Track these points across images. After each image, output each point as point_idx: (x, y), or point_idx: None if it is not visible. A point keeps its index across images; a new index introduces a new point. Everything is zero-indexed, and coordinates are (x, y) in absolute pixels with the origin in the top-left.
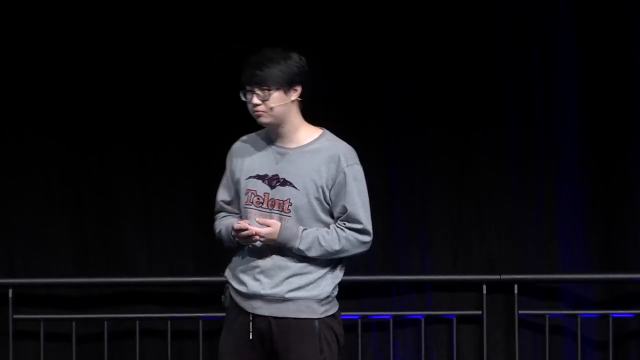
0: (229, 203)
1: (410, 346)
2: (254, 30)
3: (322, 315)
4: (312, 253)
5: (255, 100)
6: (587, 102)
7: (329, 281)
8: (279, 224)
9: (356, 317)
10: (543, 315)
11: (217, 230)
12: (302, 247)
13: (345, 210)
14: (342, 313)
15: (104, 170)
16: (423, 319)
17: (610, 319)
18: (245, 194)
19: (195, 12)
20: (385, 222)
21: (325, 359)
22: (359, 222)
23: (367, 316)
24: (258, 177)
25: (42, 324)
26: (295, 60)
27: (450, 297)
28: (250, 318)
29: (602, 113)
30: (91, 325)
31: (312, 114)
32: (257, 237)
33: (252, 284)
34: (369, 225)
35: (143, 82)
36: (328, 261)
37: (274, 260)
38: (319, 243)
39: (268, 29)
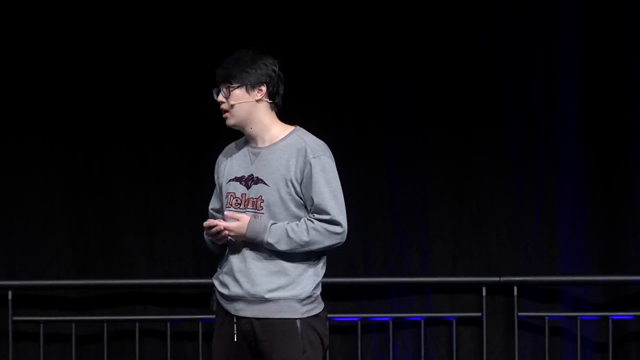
0: (218, 211)
1: (410, 348)
2: (254, 31)
3: (305, 315)
4: (282, 246)
5: (220, 97)
6: (587, 105)
7: (309, 280)
8: (248, 218)
9: (356, 318)
10: (543, 317)
11: (204, 236)
12: (270, 240)
13: (312, 202)
14: (342, 315)
15: (104, 173)
16: (423, 321)
17: (610, 320)
18: (226, 197)
19: (194, 15)
20: (385, 224)
21: (308, 358)
22: (326, 213)
23: (367, 318)
24: (236, 179)
25: (41, 325)
26: (262, 61)
27: (450, 299)
28: (234, 320)
29: (602, 116)
30: (91, 327)
31: (311, 115)
32: (227, 232)
33: (233, 286)
34: (339, 217)
35: (142, 85)
36: (307, 259)
37: (250, 258)
38: (288, 235)
39: (268, 31)
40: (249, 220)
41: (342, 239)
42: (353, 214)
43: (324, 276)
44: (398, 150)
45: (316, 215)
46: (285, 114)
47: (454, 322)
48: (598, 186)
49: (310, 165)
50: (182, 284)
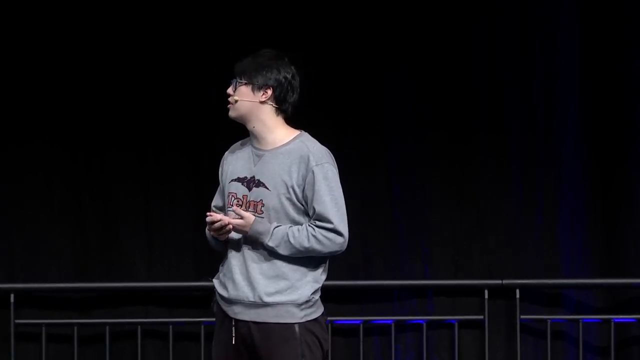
0: (220, 208)
1: (412, 351)
2: (254, 33)
3: (303, 320)
4: (282, 250)
5: (229, 89)
6: (587, 106)
7: (308, 285)
8: (252, 217)
9: (358, 322)
10: (545, 321)
11: (206, 233)
12: (271, 244)
13: (314, 210)
14: (344, 318)
15: (104, 175)
16: (425, 324)
17: (612, 324)
18: (228, 197)
19: (193, 16)
20: (386, 229)
21: None
22: (329, 222)
23: (369, 321)
24: (238, 179)
25: (43, 328)
26: (277, 65)
27: (451, 302)
28: (233, 323)
29: (602, 120)
30: (93, 329)
31: (311, 118)
32: (230, 227)
33: (232, 288)
34: (340, 226)
35: (142, 86)
36: (307, 264)
37: (250, 261)
38: (288, 240)
39: (269, 34)
40: (254, 220)
41: (342, 247)
42: (354, 218)
43: (326, 280)
44: (398, 154)
45: (318, 223)
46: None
47: (456, 325)
48: (598, 188)
49: (313, 173)
50: (182, 287)
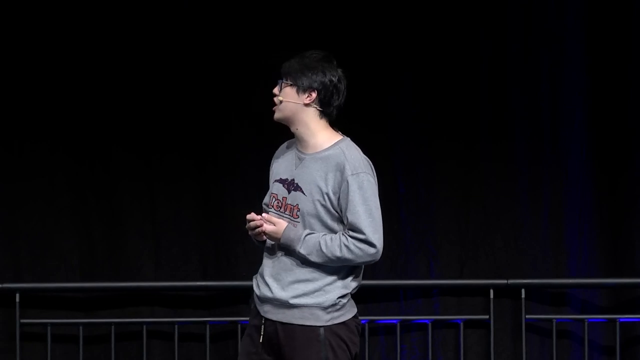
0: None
1: (417, 351)
2: (259, 37)
3: (328, 323)
4: (313, 258)
5: (275, 89)
6: (593, 110)
7: (336, 290)
8: (285, 224)
9: (363, 321)
10: (550, 320)
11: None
12: (302, 252)
13: (348, 220)
14: None
15: (109, 176)
16: (430, 324)
17: (618, 323)
18: (270, 197)
19: (198, 18)
20: (392, 229)
21: None
22: (361, 232)
23: (374, 321)
24: (280, 180)
25: (49, 327)
26: (323, 67)
27: (457, 302)
28: (262, 321)
29: (608, 121)
30: (98, 329)
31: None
32: (263, 230)
33: (263, 288)
34: (373, 237)
35: (148, 88)
36: (336, 269)
37: (282, 264)
38: (321, 249)
39: (274, 38)
40: (285, 227)
41: (374, 258)
42: None
43: None
44: (404, 154)
45: (351, 233)
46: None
47: (462, 324)
48: (604, 190)
49: (348, 182)
50: (188, 287)
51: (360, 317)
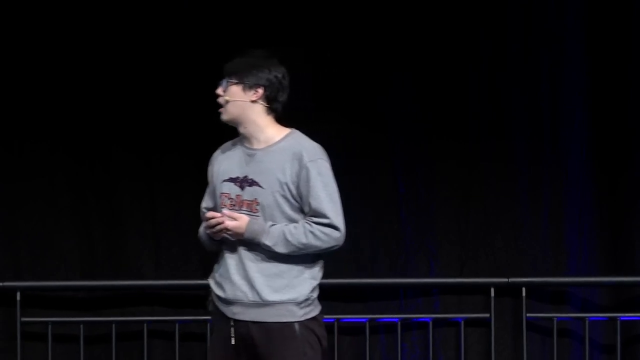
0: (211, 210)
1: (418, 349)
2: (258, 37)
3: (303, 318)
4: (279, 248)
5: (219, 90)
6: (593, 109)
7: (307, 283)
8: (247, 218)
9: (364, 320)
10: (551, 318)
11: (199, 235)
12: (268, 243)
13: (310, 206)
14: (350, 316)
15: (109, 176)
16: (431, 322)
17: (618, 322)
18: (220, 198)
19: (197, 17)
20: (392, 229)
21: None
22: (325, 217)
23: (374, 319)
24: (230, 179)
25: (50, 326)
26: (268, 65)
27: (458, 301)
28: (232, 323)
29: (608, 121)
30: (99, 328)
31: (318, 120)
32: (224, 226)
33: (229, 289)
34: (336, 220)
35: (147, 87)
36: (303, 262)
37: (247, 261)
38: (286, 238)
39: (274, 37)
40: (248, 221)
41: (339, 242)
42: (360, 218)
43: (329, 277)
44: (404, 154)
45: (314, 219)
46: (288, 118)
47: (462, 323)
48: (604, 190)
49: (307, 169)
50: (189, 285)
51: (361, 316)
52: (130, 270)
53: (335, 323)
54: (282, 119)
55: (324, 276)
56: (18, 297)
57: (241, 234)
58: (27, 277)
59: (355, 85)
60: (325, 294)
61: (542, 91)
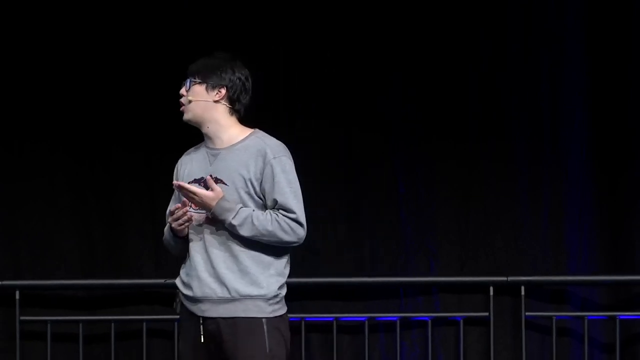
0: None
1: (417, 348)
2: (257, 40)
3: (271, 315)
4: (244, 231)
5: (182, 90)
6: (593, 109)
7: (274, 279)
8: (222, 193)
9: (363, 318)
10: (550, 317)
11: (164, 239)
12: (234, 222)
13: (276, 202)
14: (349, 315)
15: (109, 176)
16: (430, 321)
17: (618, 320)
18: (186, 199)
19: (197, 17)
20: (392, 229)
21: (274, 356)
22: (292, 212)
23: (374, 318)
24: (195, 181)
25: (49, 325)
26: (232, 66)
27: (457, 299)
28: (200, 321)
29: (608, 121)
30: (98, 327)
31: (317, 120)
32: (190, 216)
33: (197, 287)
34: (302, 217)
35: (147, 87)
36: (270, 258)
37: (216, 259)
38: (252, 221)
39: (271, 41)
40: (221, 197)
41: (300, 240)
42: (360, 217)
43: (328, 277)
44: (404, 154)
45: (282, 212)
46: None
47: (462, 322)
48: (604, 190)
49: (271, 166)
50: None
51: (360, 315)
52: (130, 270)
53: (334, 322)
54: (282, 119)
55: (324, 275)
56: (17, 296)
57: (210, 206)
58: (27, 277)
59: (355, 85)
60: (324, 293)
61: (542, 91)
